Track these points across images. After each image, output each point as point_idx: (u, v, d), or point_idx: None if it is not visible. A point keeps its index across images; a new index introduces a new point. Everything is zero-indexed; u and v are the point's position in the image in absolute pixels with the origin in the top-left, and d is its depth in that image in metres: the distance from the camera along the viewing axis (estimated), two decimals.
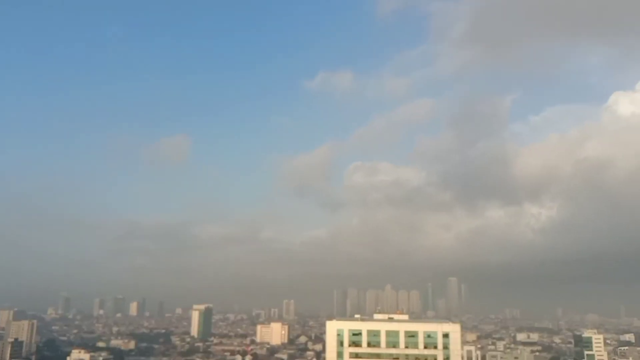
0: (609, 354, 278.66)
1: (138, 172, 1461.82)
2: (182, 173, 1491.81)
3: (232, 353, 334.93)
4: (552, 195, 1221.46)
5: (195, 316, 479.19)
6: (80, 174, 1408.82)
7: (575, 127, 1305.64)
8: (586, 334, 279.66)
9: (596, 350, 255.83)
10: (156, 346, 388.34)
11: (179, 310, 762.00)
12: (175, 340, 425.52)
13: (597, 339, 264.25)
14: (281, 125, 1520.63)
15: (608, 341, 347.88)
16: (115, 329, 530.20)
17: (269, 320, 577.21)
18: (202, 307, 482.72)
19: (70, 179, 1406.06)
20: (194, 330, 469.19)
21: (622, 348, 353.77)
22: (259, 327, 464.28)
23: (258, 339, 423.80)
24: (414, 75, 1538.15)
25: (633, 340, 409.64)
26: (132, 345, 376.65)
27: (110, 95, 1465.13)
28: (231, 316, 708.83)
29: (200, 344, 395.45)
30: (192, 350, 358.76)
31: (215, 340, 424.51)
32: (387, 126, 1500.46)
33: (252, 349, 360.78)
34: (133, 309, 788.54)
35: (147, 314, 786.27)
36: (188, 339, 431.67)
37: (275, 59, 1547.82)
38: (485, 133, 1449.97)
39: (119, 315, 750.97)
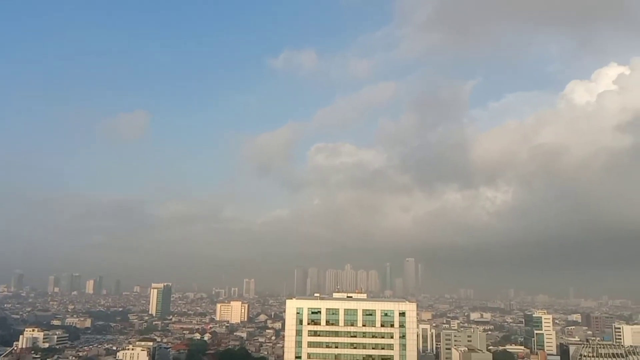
0: (557, 333, 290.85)
1: (95, 147, 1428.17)
2: (140, 149, 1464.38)
3: (191, 331, 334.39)
4: (508, 179, 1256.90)
5: (153, 294, 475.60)
6: (35, 148, 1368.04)
7: (533, 114, 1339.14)
8: (536, 314, 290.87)
9: (545, 330, 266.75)
10: (113, 324, 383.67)
11: (137, 289, 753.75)
12: (133, 318, 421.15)
13: (547, 319, 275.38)
14: (244, 104, 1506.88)
15: (557, 321, 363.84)
16: (70, 307, 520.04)
17: (229, 299, 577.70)
18: (161, 285, 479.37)
19: (25, 153, 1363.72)
20: (152, 308, 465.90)
21: (570, 327, 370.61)
22: (218, 305, 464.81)
23: (217, 318, 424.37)
24: (377, 57, 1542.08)
25: (580, 320, 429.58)
26: (88, 323, 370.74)
27: (66, 68, 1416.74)
28: (190, 295, 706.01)
29: (158, 323, 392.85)
30: (150, 329, 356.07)
31: (174, 319, 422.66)
32: (350, 108, 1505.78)
33: (211, 327, 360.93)
34: (89, 286, 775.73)
35: (104, 292, 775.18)
36: (146, 317, 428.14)
37: (239, 36, 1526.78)
38: (445, 117, 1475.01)
39: (74, 293, 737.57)
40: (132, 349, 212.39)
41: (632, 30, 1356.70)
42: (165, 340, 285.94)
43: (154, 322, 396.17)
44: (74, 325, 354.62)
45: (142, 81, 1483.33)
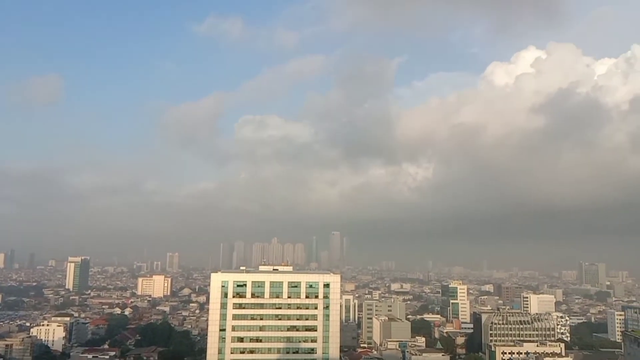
0: (471, 302, 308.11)
1: (4, 112, 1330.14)
2: (55, 115, 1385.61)
3: (111, 306, 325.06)
4: (429, 156, 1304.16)
5: (70, 268, 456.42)
6: None
7: (454, 93, 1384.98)
8: (452, 284, 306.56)
9: (460, 299, 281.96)
10: (26, 300, 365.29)
11: (52, 263, 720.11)
12: (48, 293, 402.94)
13: (462, 289, 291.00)
14: (165, 71, 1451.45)
15: (471, 291, 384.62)
16: None
17: (151, 273, 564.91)
18: (78, 259, 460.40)
19: None
20: (69, 283, 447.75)
21: (483, 297, 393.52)
22: (140, 280, 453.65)
23: (139, 292, 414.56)
24: (305, 30, 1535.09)
25: (492, 291, 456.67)
26: None
27: None
28: (110, 269, 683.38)
29: (75, 297, 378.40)
30: (67, 304, 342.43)
31: (93, 294, 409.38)
32: (278, 80, 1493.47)
33: (132, 302, 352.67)
34: (0, 260, 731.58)
35: (16, 266, 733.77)
36: (62, 292, 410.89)
37: None
38: (372, 94, 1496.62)
39: None
40: (48, 325, 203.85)
41: (550, 15, 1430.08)
42: (83, 315, 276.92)
43: (71, 297, 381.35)
44: None
45: (56, 44, 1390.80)
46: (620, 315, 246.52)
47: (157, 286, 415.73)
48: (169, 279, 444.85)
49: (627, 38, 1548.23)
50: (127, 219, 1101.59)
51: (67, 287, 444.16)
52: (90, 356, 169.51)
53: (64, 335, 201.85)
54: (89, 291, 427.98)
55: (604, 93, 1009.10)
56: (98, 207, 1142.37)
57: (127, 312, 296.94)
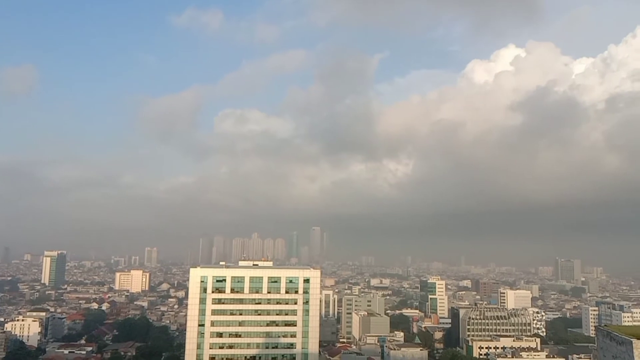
0: (449, 297, 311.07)
1: None
2: (29, 107, 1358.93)
3: (88, 301, 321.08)
4: (409, 153, 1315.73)
5: (46, 263, 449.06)
6: None
7: (435, 91, 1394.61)
8: (431, 280, 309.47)
9: (438, 295, 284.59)
10: (1, 294, 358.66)
11: (27, 257, 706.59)
12: (24, 288, 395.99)
13: (440, 285, 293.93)
14: (144, 63, 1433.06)
15: (449, 286, 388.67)
16: None
17: (129, 267, 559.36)
18: (54, 253, 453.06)
19: None
20: (45, 277, 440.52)
21: (461, 292, 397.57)
22: (117, 274, 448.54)
23: (117, 287, 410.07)
24: (285, 23, 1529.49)
25: (470, 286, 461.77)
26: None
27: None
28: (87, 263, 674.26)
29: (52, 292, 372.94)
30: (43, 299, 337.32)
31: (69, 288, 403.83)
32: (258, 74, 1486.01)
33: (109, 297, 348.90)
34: None
35: None
36: (38, 287, 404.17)
37: None
38: (353, 90, 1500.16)
39: None
40: (23, 320, 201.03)
41: (530, 14, 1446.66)
42: (59, 310, 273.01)
43: (46, 292, 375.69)
44: None
45: (32, 35, 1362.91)
46: (594, 310, 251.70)
47: (135, 281, 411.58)
48: (147, 274, 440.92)
49: (604, 38, 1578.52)
50: (105, 213, 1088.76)
51: (42, 281, 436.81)
52: (66, 351, 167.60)
53: (39, 330, 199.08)
54: (66, 286, 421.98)
55: (581, 92, 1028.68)
56: (75, 201, 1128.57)
57: (104, 307, 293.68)
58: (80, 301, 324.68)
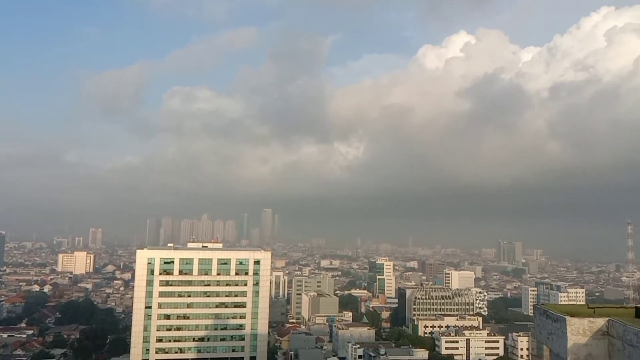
0: (396, 278, 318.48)
1: None
2: None
3: (29, 283, 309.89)
4: (360, 136, 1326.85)
5: None
6: None
7: (387, 75, 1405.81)
8: (379, 261, 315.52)
9: (386, 275, 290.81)
10: None
11: None
12: None
13: (388, 266, 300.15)
14: (86, 36, 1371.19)
15: (397, 267, 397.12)
16: None
17: (72, 249, 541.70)
18: None
19: None
20: None
21: (407, 273, 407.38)
22: (60, 256, 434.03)
23: (59, 269, 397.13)
24: (237, 0, 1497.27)
25: (416, 267, 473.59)
26: None
27: None
28: (28, 244, 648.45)
29: None
30: None
31: (9, 270, 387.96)
32: (208, 50, 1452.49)
33: (52, 279, 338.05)
34: None
35: None
36: None
37: None
38: (305, 71, 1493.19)
39: None
40: None
41: (481, 1, 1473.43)
42: None
43: None
44: None
45: None
46: (534, 290, 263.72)
47: (79, 263, 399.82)
48: (92, 256, 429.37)
49: (551, 28, 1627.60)
50: (47, 192, 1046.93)
51: None
52: (5, 335, 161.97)
53: None
54: (5, 267, 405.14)
55: (527, 80, 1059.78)
56: (15, 179, 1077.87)
57: (46, 289, 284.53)
58: (20, 283, 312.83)
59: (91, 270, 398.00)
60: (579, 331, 6.93)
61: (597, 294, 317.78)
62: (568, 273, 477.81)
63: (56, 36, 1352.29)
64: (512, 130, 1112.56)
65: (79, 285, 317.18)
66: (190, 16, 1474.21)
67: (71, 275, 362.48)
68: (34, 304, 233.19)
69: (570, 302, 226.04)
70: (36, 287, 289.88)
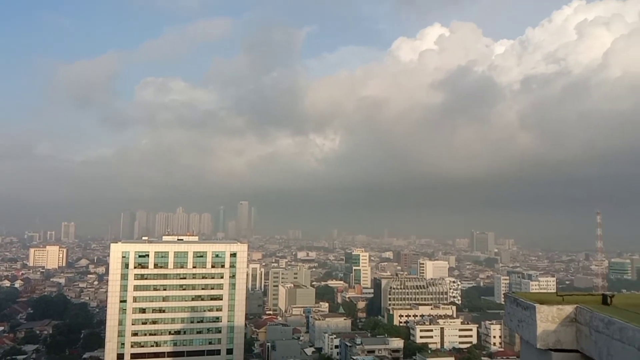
0: (372, 268, 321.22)
1: None
2: None
3: (0, 278, 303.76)
4: (335, 128, 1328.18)
5: None
6: None
7: (362, 67, 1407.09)
8: (355, 252, 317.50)
9: (362, 266, 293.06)
10: None
11: None
12: None
13: (364, 257, 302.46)
14: (56, 25, 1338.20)
15: (372, 258, 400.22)
16: None
17: (44, 243, 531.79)
18: None
19: None
20: None
21: (383, 264, 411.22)
22: (32, 250, 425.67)
23: (31, 264, 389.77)
24: None
25: (392, 257, 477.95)
26: None
27: None
28: None
29: None
30: None
31: None
32: (181, 41, 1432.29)
33: (23, 274, 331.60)
34: None
35: None
36: None
37: None
38: (280, 62, 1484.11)
39: None
40: None
41: None
42: None
43: None
44: None
45: None
46: (506, 279, 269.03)
47: (51, 257, 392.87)
48: (65, 250, 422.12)
49: (524, 21, 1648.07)
50: (17, 186, 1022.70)
51: None
52: None
53: None
54: None
55: (499, 73, 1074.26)
56: None
57: (17, 284, 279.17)
58: None
59: (64, 264, 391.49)
60: (548, 318, 7.20)
61: (567, 282, 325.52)
62: (539, 262, 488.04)
63: (23, 25, 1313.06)
64: (484, 122, 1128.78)
65: (51, 280, 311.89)
66: (163, 5, 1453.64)
67: (43, 270, 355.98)
68: (4, 299, 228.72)
69: (541, 291, 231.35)
70: (7, 283, 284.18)
